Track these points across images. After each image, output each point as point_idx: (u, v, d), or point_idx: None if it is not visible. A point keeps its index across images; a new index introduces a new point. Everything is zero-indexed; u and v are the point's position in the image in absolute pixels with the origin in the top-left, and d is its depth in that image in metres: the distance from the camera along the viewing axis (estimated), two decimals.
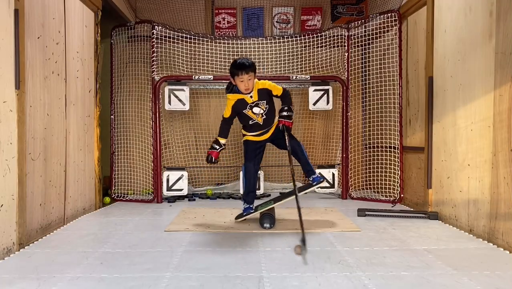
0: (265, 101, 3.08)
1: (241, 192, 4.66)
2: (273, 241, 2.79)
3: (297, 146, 3.21)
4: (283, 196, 3.46)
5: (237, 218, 3.39)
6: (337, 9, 5.43)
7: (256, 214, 3.29)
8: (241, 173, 4.64)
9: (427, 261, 2.34)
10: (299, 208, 2.78)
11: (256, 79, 3.07)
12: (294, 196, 2.99)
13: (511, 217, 2.50)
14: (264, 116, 3.13)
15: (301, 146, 3.26)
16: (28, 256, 2.49)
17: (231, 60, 5.01)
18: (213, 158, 3.20)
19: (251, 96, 3.05)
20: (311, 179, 3.28)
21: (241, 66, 2.96)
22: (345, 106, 4.67)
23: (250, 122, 3.15)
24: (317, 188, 3.37)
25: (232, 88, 3.09)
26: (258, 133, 3.21)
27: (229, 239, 2.87)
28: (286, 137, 3.09)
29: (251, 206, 3.32)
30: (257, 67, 3.17)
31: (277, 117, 3.23)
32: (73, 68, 3.61)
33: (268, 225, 3.14)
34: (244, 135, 3.30)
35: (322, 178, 3.30)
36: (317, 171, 4.68)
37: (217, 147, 3.21)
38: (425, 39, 3.74)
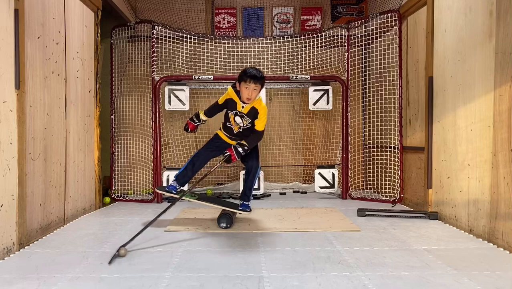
0: (249, 119, 3.10)
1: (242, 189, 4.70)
2: (273, 241, 2.79)
3: (254, 168, 3.23)
4: (213, 200, 3.55)
5: (159, 188, 3.44)
6: (337, 9, 5.43)
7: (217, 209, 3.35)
8: (241, 173, 4.67)
9: (427, 261, 2.34)
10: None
11: (261, 98, 3.09)
12: (217, 205, 3.27)
13: (511, 217, 2.50)
14: (240, 130, 3.17)
15: (258, 171, 3.30)
16: (28, 256, 2.48)
17: (231, 60, 5.09)
18: (189, 129, 3.28)
19: (242, 106, 3.06)
20: (241, 203, 3.32)
21: (251, 76, 2.94)
22: (345, 106, 4.67)
23: (228, 124, 3.21)
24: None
25: (237, 90, 3.09)
26: (228, 136, 3.26)
27: (229, 239, 2.87)
28: (219, 164, 3.17)
29: (177, 187, 3.28)
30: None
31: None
32: (73, 68, 3.61)
33: (224, 225, 3.17)
34: (220, 129, 3.33)
35: (249, 210, 3.32)
36: (317, 171, 4.71)
37: (196, 121, 3.26)
38: (425, 39, 3.74)
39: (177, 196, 3.21)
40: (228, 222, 3.17)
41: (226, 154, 3.07)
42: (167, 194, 3.31)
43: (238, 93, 3.05)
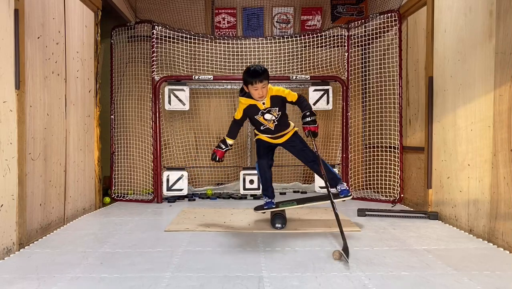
0: (277, 108, 3.04)
1: (242, 191, 4.69)
2: (273, 241, 2.79)
3: (314, 157, 3.18)
4: (307, 199, 3.43)
5: (256, 208, 3.37)
6: (337, 9, 5.43)
7: (264, 214, 3.28)
8: (241, 173, 4.67)
9: (427, 261, 2.34)
10: (337, 215, 2.74)
11: (270, 85, 3.03)
12: (318, 201, 3.15)
13: (511, 217, 2.50)
14: (276, 123, 3.09)
15: (320, 157, 3.21)
16: (28, 256, 2.48)
17: (231, 60, 5.09)
18: (218, 157, 3.17)
19: (263, 103, 3.01)
20: (338, 190, 3.18)
21: (255, 75, 2.89)
22: (345, 106, 4.67)
23: (262, 127, 3.13)
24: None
25: (245, 92, 3.04)
26: (270, 136, 3.20)
27: (229, 239, 2.87)
28: (314, 143, 3.05)
29: (273, 200, 3.30)
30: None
31: (292, 124, 3.23)
32: (73, 68, 3.61)
33: (280, 225, 3.13)
34: (256, 134, 3.28)
35: (350, 194, 3.19)
36: None
37: (223, 147, 3.17)
38: (425, 39, 3.74)
39: (279, 208, 3.23)
40: (284, 221, 3.14)
41: (306, 134, 3.00)
42: (268, 211, 3.28)
43: (249, 95, 3.00)
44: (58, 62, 3.31)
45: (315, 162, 3.18)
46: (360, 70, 5.00)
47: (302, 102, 3.08)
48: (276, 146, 3.27)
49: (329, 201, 2.87)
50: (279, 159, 5.20)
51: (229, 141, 3.18)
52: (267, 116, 3.05)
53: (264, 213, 3.35)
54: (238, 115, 3.13)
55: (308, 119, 3.00)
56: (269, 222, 3.28)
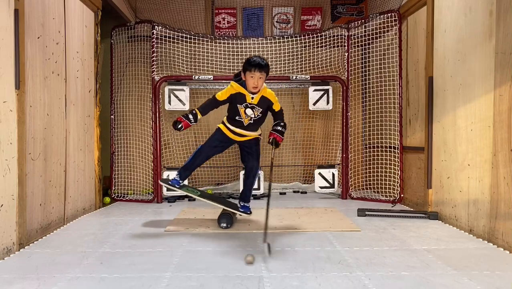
0: (261, 109, 3.07)
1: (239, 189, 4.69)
2: (273, 241, 2.79)
3: (255, 168, 3.21)
4: (213, 198, 3.48)
5: (162, 180, 3.46)
6: (337, 9, 5.43)
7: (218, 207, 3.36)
8: (241, 173, 4.66)
9: (427, 261, 2.34)
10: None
11: (265, 85, 3.05)
12: (219, 204, 3.26)
13: (511, 217, 2.50)
14: (251, 121, 3.11)
15: (258, 171, 3.29)
16: (28, 256, 2.49)
17: (231, 60, 5.09)
18: (182, 127, 3.05)
19: (252, 98, 3.02)
20: (241, 204, 3.31)
21: (256, 64, 2.91)
22: (345, 106, 4.67)
23: (237, 117, 3.11)
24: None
25: (239, 80, 3.05)
26: (235, 131, 3.16)
27: (229, 239, 2.87)
28: (272, 151, 3.12)
29: (180, 181, 3.27)
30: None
31: (260, 130, 3.24)
32: (73, 68, 3.61)
33: (225, 225, 3.17)
34: (222, 122, 3.23)
35: (249, 212, 3.31)
36: (317, 170, 4.71)
37: (191, 119, 3.06)
38: (425, 39, 3.74)
39: (179, 190, 3.24)
40: (229, 222, 3.17)
41: (270, 140, 3.07)
42: (169, 187, 3.31)
43: (244, 85, 3.01)
44: (58, 62, 3.31)
45: (250, 174, 3.23)
46: (360, 70, 5.00)
47: (281, 114, 3.18)
48: (230, 144, 3.25)
49: (229, 210, 3.22)
50: (279, 158, 5.20)
51: (199, 115, 3.10)
52: (249, 111, 3.06)
53: (166, 187, 3.46)
54: (223, 96, 3.08)
55: (279, 128, 3.10)
56: (269, 222, 3.26)
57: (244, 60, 3.04)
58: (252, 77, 2.93)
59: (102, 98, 4.34)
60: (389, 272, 2.15)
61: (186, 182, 3.59)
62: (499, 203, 2.61)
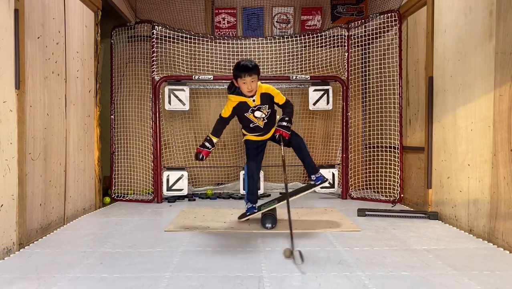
0: (267, 106, 3.05)
1: (241, 191, 4.70)
2: (273, 241, 2.79)
3: (301, 143, 3.18)
4: (285, 196, 3.43)
5: (240, 217, 3.40)
6: (337, 9, 5.43)
7: (258, 214, 3.29)
8: (241, 173, 4.67)
9: (427, 261, 2.34)
10: (289, 212, 2.76)
11: (259, 83, 3.03)
12: (296, 195, 3.17)
13: (511, 217, 2.50)
14: (266, 120, 3.10)
15: (305, 143, 3.24)
16: (28, 256, 2.49)
17: (231, 60, 5.09)
18: (204, 156, 3.09)
19: (253, 100, 3.01)
20: (314, 178, 3.25)
21: (244, 68, 2.90)
22: (345, 106, 4.67)
23: (251, 125, 3.12)
24: (320, 187, 3.38)
25: (234, 89, 3.03)
26: (259, 134, 3.20)
27: (229, 239, 2.87)
28: (282, 147, 3.05)
29: (254, 205, 3.31)
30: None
31: (278, 118, 3.21)
32: (73, 68, 3.61)
33: (270, 225, 3.14)
34: (244, 135, 3.28)
35: (325, 178, 3.27)
36: None
37: (209, 146, 3.10)
38: (425, 39, 3.74)
39: (262, 211, 3.24)
40: (273, 222, 3.15)
41: (277, 137, 2.97)
42: (251, 216, 3.29)
43: (240, 92, 3.00)
44: (58, 62, 3.31)
45: (301, 148, 3.18)
46: (360, 70, 5.00)
47: (287, 107, 3.10)
48: (264, 143, 3.25)
49: (308, 191, 3.16)
50: (279, 158, 5.19)
51: (215, 140, 3.13)
52: (257, 114, 3.06)
53: (247, 219, 3.35)
54: (226, 113, 3.10)
55: (284, 123, 2.99)
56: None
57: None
58: (244, 83, 2.93)
59: (102, 98, 4.34)
60: (389, 272, 2.15)
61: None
62: (499, 203, 2.61)
